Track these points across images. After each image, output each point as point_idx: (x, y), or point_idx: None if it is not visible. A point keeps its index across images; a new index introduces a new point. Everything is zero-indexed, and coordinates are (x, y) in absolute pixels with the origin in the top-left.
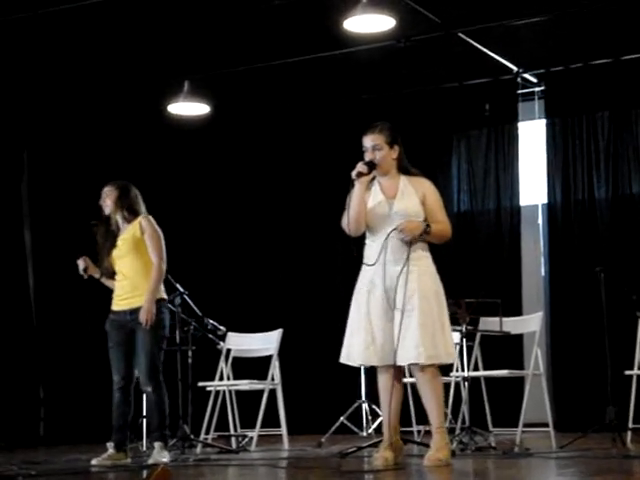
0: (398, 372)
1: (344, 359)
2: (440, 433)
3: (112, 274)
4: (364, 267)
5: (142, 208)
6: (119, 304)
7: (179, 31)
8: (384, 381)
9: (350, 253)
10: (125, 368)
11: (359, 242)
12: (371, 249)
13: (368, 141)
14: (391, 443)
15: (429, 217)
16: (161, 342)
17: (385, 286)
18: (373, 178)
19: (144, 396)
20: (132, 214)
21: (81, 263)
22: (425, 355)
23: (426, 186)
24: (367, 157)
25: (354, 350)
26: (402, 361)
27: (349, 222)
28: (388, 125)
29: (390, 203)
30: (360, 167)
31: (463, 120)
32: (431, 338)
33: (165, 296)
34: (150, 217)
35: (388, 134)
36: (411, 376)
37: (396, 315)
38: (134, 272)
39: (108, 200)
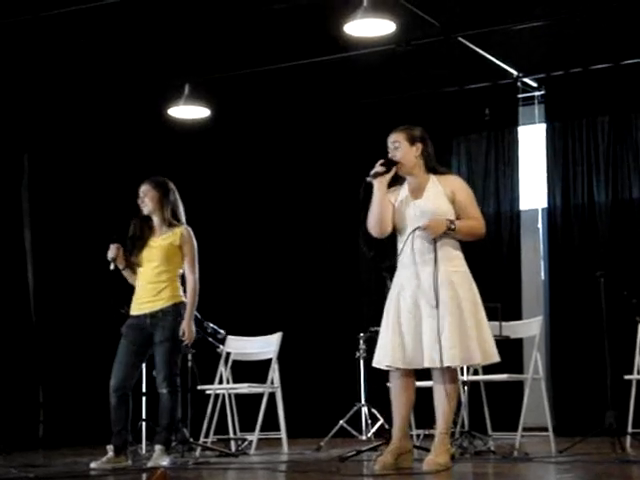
0: (414, 377)
1: (375, 362)
2: (443, 438)
3: (136, 270)
4: (398, 269)
5: (183, 214)
6: (140, 308)
7: (179, 35)
8: (401, 385)
9: (351, 256)
10: (124, 373)
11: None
12: (400, 251)
13: (390, 139)
14: (397, 447)
15: (460, 214)
16: (179, 345)
17: (414, 288)
18: (399, 178)
19: (144, 399)
20: (175, 219)
21: (113, 249)
22: (458, 358)
23: (455, 183)
24: (389, 156)
25: (383, 352)
26: (429, 363)
27: (372, 224)
28: (415, 127)
29: (416, 203)
30: (377, 167)
31: (463, 124)
32: (459, 341)
33: (184, 299)
34: (190, 228)
35: (409, 132)
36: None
37: (425, 317)
38: (160, 279)
39: (147, 199)
